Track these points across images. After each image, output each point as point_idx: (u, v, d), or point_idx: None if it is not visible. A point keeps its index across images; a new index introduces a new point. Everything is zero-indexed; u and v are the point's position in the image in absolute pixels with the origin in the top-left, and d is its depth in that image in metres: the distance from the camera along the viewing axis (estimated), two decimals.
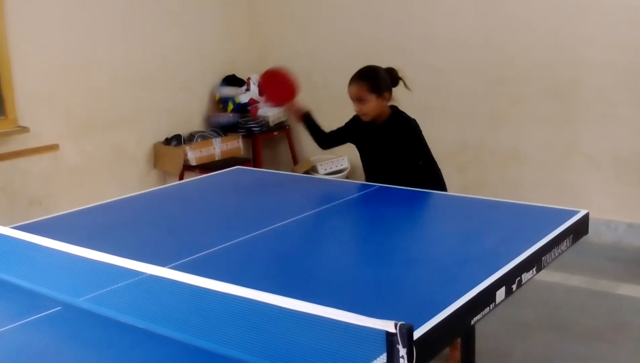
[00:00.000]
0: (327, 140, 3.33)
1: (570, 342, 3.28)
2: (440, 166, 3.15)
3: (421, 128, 3.17)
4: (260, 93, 3.25)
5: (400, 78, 3.16)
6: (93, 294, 1.89)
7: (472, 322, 1.76)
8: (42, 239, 2.03)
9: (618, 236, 4.47)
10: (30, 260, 2.11)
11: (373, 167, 3.22)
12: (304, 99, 5.65)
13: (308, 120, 3.27)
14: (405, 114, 3.16)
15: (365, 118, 3.12)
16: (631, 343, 3.26)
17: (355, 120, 3.24)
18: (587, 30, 4.30)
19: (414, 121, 3.15)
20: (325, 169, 5.28)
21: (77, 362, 1.60)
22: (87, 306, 1.84)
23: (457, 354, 2.92)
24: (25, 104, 4.36)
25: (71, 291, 1.90)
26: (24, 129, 4.32)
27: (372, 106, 3.06)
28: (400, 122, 3.12)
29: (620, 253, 4.31)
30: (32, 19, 4.38)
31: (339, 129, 3.29)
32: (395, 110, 3.15)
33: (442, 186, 3.08)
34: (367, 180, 3.20)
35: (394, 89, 3.13)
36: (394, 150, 3.12)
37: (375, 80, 3.07)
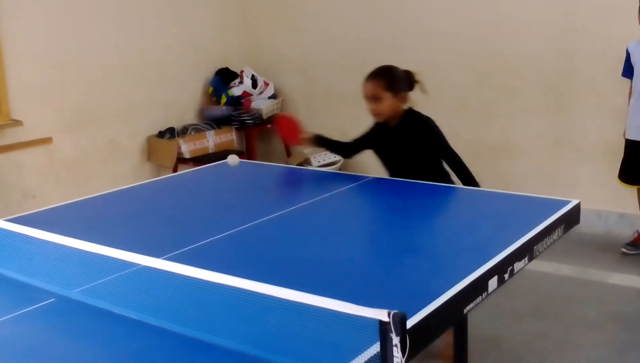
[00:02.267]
0: (349, 150, 3.31)
1: (561, 331, 3.31)
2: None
3: None
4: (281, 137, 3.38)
5: (416, 81, 3.08)
6: (87, 286, 1.90)
7: (465, 311, 1.77)
8: (35, 231, 2.04)
9: (609, 226, 4.50)
10: (23, 253, 2.12)
11: (395, 170, 3.13)
12: (298, 92, 5.69)
13: (321, 141, 3.28)
14: (420, 113, 3.08)
15: (379, 118, 3.05)
16: (622, 332, 3.29)
17: (376, 126, 3.16)
18: (577, 23, 4.31)
19: (429, 119, 3.07)
20: (319, 162, 5.28)
21: (71, 353, 1.61)
22: (81, 298, 1.84)
23: (450, 352, 2.94)
24: (19, 97, 4.35)
25: (65, 283, 1.90)
26: (17, 123, 4.30)
27: (387, 104, 2.98)
28: (415, 122, 3.04)
29: (611, 243, 4.34)
30: (26, 13, 4.36)
31: (362, 137, 3.22)
32: (408, 112, 3.06)
33: (470, 179, 2.98)
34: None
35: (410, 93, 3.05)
36: (412, 151, 3.04)
37: (392, 78, 3.00)
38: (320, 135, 3.27)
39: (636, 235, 4.23)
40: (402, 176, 3.04)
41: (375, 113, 3.04)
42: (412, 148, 3.05)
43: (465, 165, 3.02)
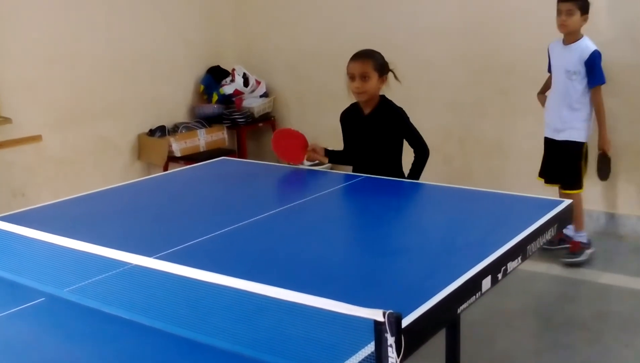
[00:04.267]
0: (351, 156, 3.31)
1: (553, 331, 3.32)
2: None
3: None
4: (280, 157, 3.35)
5: (391, 70, 3.16)
6: (77, 285, 1.88)
7: (459, 311, 1.77)
8: (25, 229, 2.01)
9: (600, 226, 4.51)
10: (13, 251, 2.10)
11: (359, 160, 3.21)
12: (290, 91, 5.67)
13: (333, 156, 3.32)
14: (392, 103, 3.17)
15: (362, 97, 3.10)
16: (613, 331, 3.30)
17: (344, 118, 3.26)
18: None
19: (401, 109, 3.16)
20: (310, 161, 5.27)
21: (61, 353, 1.59)
22: (71, 298, 1.82)
23: None
24: (8, 94, 4.31)
25: (55, 283, 1.88)
26: (6, 120, 4.27)
27: (373, 84, 3.07)
28: (388, 112, 3.13)
29: (603, 243, 4.35)
30: (15, 10, 4.32)
31: (344, 137, 3.31)
32: (383, 99, 3.16)
33: (417, 173, 3.12)
34: (353, 171, 3.21)
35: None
36: (380, 139, 3.13)
37: (379, 59, 3.11)
38: (331, 151, 3.30)
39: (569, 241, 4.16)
40: (362, 167, 3.12)
41: (360, 91, 3.09)
42: (383, 136, 3.13)
43: (425, 161, 3.14)
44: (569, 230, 4.11)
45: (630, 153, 4.34)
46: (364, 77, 3.05)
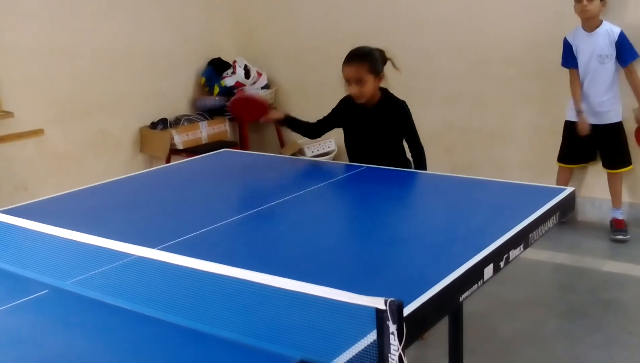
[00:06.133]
0: (315, 130, 3.33)
1: (556, 319, 3.32)
2: (426, 148, 3.16)
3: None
4: (236, 119, 3.49)
5: (388, 59, 3.14)
6: (80, 277, 1.88)
7: (461, 299, 1.77)
8: (27, 222, 2.02)
9: (603, 215, 4.50)
10: (16, 244, 2.10)
11: (358, 149, 3.20)
12: (291, 82, 5.66)
13: (287, 122, 3.29)
14: (395, 96, 3.15)
15: (361, 100, 3.08)
16: (616, 319, 3.31)
17: (344, 103, 3.22)
18: (571, 11, 4.29)
19: (404, 102, 3.14)
20: (313, 152, 5.27)
21: (64, 345, 1.59)
22: (74, 289, 1.83)
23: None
24: (9, 89, 4.31)
25: (58, 275, 1.89)
26: (8, 114, 4.27)
27: (370, 86, 3.03)
28: (392, 105, 3.11)
29: (605, 231, 4.35)
30: (15, 4, 4.32)
31: (327, 117, 3.28)
32: (385, 92, 3.14)
33: (423, 167, 3.13)
34: (350, 161, 3.21)
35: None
36: (384, 132, 3.11)
37: (373, 60, 3.05)
38: (289, 115, 3.28)
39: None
40: (363, 157, 3.10)
41: (358, 96, 3.07)
42: (385, 129, 3.11)
43: (424, 157, 3.14)
44: (616, 212, 4.31)
45: None
46: (360, 82, 3.01)
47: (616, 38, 4.05)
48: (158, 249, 1.94)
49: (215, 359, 1.49)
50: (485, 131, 4.85)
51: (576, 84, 4.25)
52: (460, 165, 4.83)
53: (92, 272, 1.91)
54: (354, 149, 3.23)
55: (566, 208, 2.44)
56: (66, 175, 4.61)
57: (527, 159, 4.69)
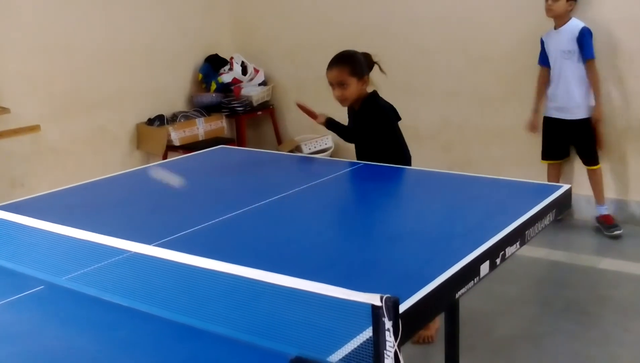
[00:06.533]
0: (353, 135, 3.29)
1: (552, 316, 3.32)
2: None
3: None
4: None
5: (375, 62, 3.14)
6: (76, 273, 1.88)
7: (457, 296, 1.77)
8: (23, 218, 2.01)
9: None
10: (12, 240, 2.10)
11: (361, 152, 3.21)
12: (288, 79, 5.66)
13: (329, 125, 3.24)
14: (382, 100, 3.12)
15: (345, 103, 3.10)
16: (612, 316, 3.31)
17: (349, 108, 3.22)
18: None
19: (388, 108, 3.11)
20: (310, 149, 5.27)
21: (60, 341, 1.59)
22: (70, 285, 1.82)
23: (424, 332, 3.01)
24: (6, 84, 4.30)
25: (54, 271, 1.89)
26: (5, 110, 4.25)
27: (353, 90, 3.03)
28: (372, 109, 3.09)
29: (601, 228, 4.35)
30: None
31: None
32: (370, 97, 3.10)
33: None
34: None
35: (371, 74, 3.11)
36: (366, 136, 3.12)
37: (355, 63, 3.05)
38: (331, 119, 3.25)
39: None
40: (366, 158, 3.09)
41: (341, 99, 3.08)
42: (368, 133, 3.10)
43: (409, 160, 3.11)
44: (601, 209, 4.33)
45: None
46: (342, 85, 3.02)
47: (577, 34, 4.12)
48: (154, 245, 1.94)
49: (211, 355, 1.49)
50: (483, 128, 4.85)
51: (541, 82, 4.39)
52: (458, 162, 4.82)
53: (88, 268, 1.90)
54: (356, 149, 3.24)
55: (562, 206, 2.44)
56: (63, 171, 4.61)
57: (524, 156, 4.69)
